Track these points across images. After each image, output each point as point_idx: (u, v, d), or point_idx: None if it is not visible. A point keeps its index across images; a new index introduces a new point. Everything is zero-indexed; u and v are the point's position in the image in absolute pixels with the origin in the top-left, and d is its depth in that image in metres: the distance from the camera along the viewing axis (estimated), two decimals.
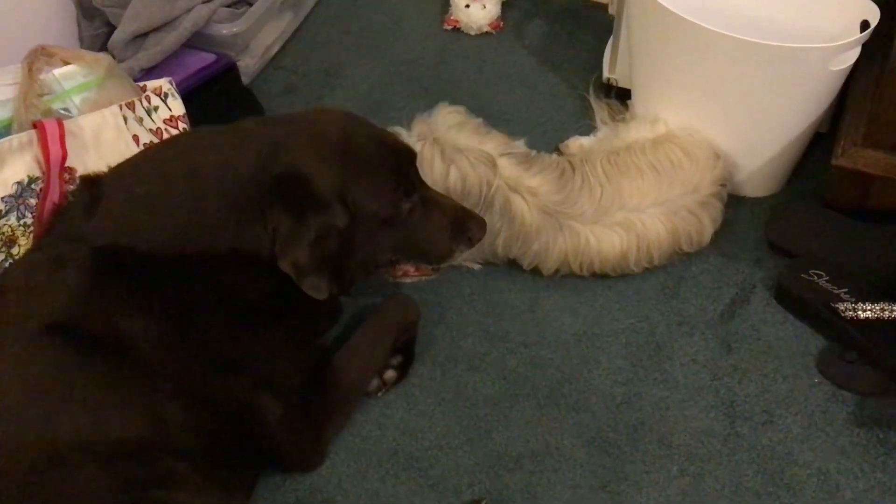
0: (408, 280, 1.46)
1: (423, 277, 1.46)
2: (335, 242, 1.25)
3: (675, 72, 1.57)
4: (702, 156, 1.53)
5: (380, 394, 1.42)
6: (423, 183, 1.37)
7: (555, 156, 1.56)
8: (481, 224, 1.38)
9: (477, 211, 1.44)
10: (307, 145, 1.26)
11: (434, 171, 1.46)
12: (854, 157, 1.51)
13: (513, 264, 1.57)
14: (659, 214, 1.51)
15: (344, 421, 1.38)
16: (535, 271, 1.56)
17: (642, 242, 1.50)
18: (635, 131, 1.60)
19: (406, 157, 1.34)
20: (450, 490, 1.32)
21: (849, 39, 1.41)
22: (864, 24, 1.45)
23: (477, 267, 1.58)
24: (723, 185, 1.56)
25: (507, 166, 1.49)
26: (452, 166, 1.46)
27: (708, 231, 1.55)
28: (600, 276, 1.55)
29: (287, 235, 1.22)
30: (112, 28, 1.84)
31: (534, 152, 1.58)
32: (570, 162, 1.54)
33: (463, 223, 1.37)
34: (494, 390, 1.43)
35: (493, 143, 1.52)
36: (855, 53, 1.46)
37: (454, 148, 1.47)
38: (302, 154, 1.24)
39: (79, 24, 1.90)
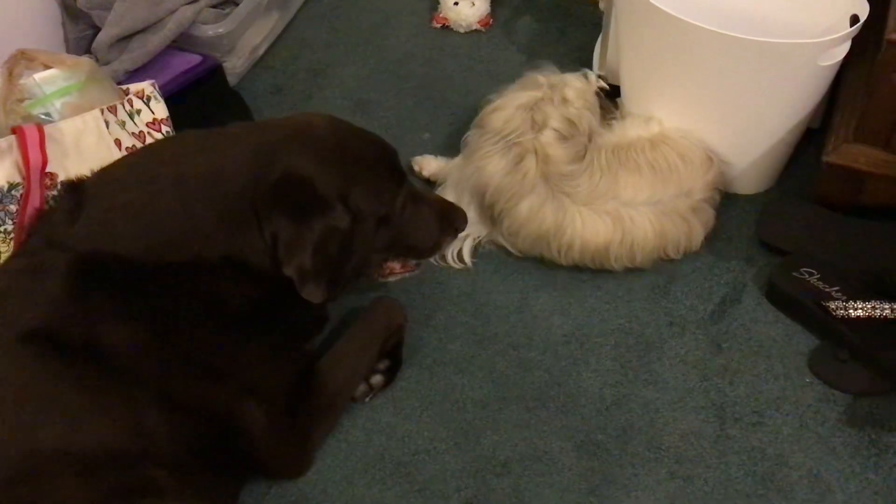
0: (393, 278, 1.46)
1: (407, 273, 1.46)
2: (337, 245, 1.24)
3: (663, 69, 1.55)
4: (696, 159, 1.52)
5: (367, 399, 1.41)
6: (408, 178, 1.37)
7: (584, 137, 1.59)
8: (463, 215, 1.42)
9: (489, 146, 1.52)
10: (303, 149, 1.25)
11: (518, 95, 1.57)
12: (845, 153, 1.50)
13: (499, 267, 1.56)
14: (649, 213, 1.49)
15: (330, 427, 1.37)
16: (521, 269, 1.55)
17: (627, 238, 1.48)
18: (631, 130, 1.59)
19: (391, 153, 1.35)
20: (437, 495, 1.31)
21: (837, 34, 1.39)
22: (854, 19, 1.44)
23: (469, 265, 1.57)
24: (716, 189, 1.55)
25: (550, 135, 1.51)
26: (524, 94, 1.56)
27: (699, 236, 1.54)
28: (587, 277, 1.53)
29: (290, 240, 1.21)
30: (98, 30, 1.82)
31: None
32: (586, 145, 1.55)
33: (448, 214, 1.40)
34: (483, 393, 1.42)
35: (589, 115, 1.58)
36: (844, 48, 1.44)
37: (554, 98, 1.55)
38: (299, 157, 1.23)
39: (64, 27, 1.89)
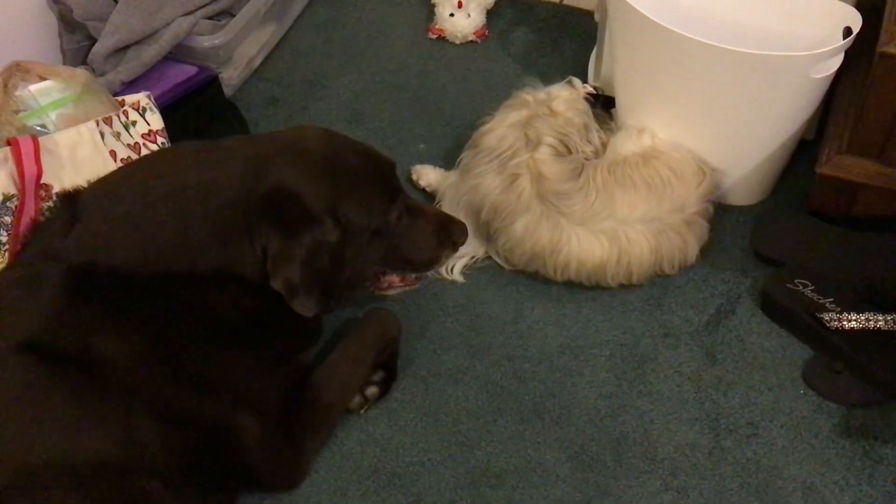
0: (393, 292, 1.45)
1: (408, 287, 1.45)
2: (327, 258, 1.24)
3: (657, 80, 1.56)
4: (688, 172, 1.52)
5: (362, 410, 1.41)
6: (404, 191, 1.36)
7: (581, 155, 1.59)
8: (463, 228, 1.40)
9: (483, 165, 1.51)
10: (294, 162, 1.25)
11: (509, 115, 1.57)
12: (838, 164, 1.50)
13: (494, 278, 1.56)
14: (645, 231, 1.49)
15: (324, 439, 1.37)
16: (516, 281, 1.55)
17: (623, 256, 1.48)
18: (623, 146, 1.59)
19: (387, 166, 1.35)
20: None
21: (829, 47, 1.40)
22: (847, 31, 1.44)
23: (461, 280, 1.57)
24: (709, 202, 1.55)
25: (545, 152, 1.51)
26: (514, 113, 1.56)
27: (693, 251, 1.54)
28: (581, 288, 1.53)
29: (278, 253, 1.21)
30: (94, 41, 1.82)
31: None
32: (583, 163, 1.55)
33: (446, 227, 1.39)
34: (477, 404, 1.42)
35: (580, 121, 1.59)
36: (837, 61, 1.45)
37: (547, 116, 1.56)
38: (289, 171, 1.24)
39: (60, 38, 1.89)
